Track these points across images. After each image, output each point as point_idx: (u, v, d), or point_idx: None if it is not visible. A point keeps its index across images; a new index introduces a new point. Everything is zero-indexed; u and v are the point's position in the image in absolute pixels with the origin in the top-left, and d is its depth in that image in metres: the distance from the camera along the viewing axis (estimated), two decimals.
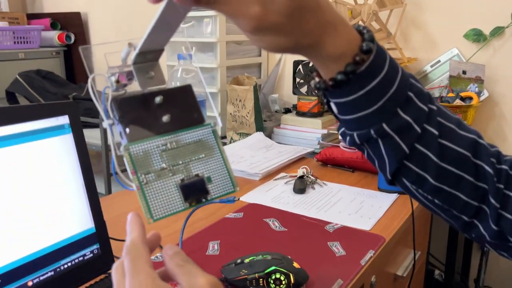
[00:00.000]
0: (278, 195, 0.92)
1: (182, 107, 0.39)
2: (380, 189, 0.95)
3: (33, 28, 1.98)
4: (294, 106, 1.39)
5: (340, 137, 0.43)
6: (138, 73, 0.38)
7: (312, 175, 0.99)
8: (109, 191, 1.48)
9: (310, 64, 1.34)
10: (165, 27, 0.36)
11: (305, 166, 1.01)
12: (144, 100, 0.37)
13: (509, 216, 0.41)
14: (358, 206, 0.86)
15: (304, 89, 1.34)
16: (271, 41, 0.34)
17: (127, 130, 0.36)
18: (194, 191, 0.37)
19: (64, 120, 0.54)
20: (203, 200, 0.38)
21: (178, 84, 1.08)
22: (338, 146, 1.10)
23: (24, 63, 1.90)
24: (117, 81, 0.38)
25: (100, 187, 1.55)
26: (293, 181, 0.97)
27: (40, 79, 1.70)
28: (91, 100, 1.42)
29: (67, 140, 0.54)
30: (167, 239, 0.74)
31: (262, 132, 1.29)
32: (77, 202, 0.55)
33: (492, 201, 0.42)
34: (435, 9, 1.35)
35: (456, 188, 0.42)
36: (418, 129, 0.40)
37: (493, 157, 0.42)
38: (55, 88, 1.69)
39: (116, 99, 0.37)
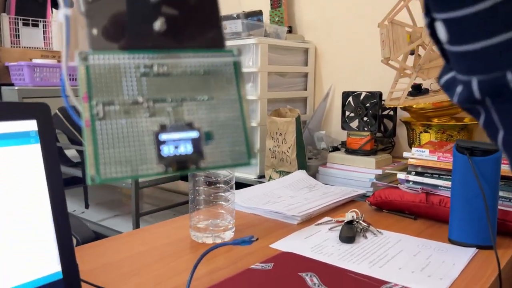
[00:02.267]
0: (319, 244, 0.73)
1: (193, 16, 0.25)
2: (451, 241, 0.74)
3: None
4: (343, 143, 1.22)
5: (442, 89, 0.26)
6: None
7: (363, 221, 0.81)
8: None
9: (362, 96, 1.18)
10: None
11: (355, 210, 0.82)
12: None
13: None
14: (425, 262, 0.66)
15: (355, 124, 1.17)
16: None
17: (94, 31, 0.24)
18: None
19: (30, 125, 0.42)
20: (192, 167, 0.23)
21: None
22: (397, 187, 0.91)
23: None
24: None
25: (128, 229, 1.43)
26: (340, 227, 0.78)
27: None
28: None
29: (32, 153, 0.42)
30: None
31: (304, 171, 1.13)
32: (40, 238, 0.41)
33: None
34: None
35: None
36: None
37: None
38: None
39: None
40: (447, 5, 0.22)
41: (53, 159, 0.43)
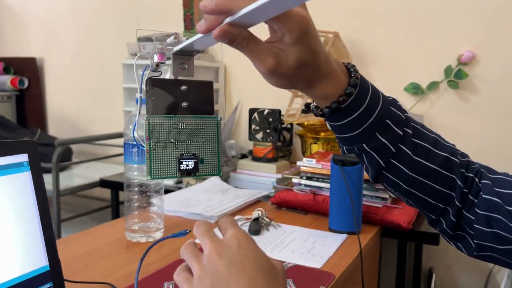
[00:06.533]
0: None
1: (200, 98, 0.47)
2: (331, 230, 0.99)
3: None
4: (250, 152, 1.43)
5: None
6: (174, 62, 0.46)
7: (267, 217, 1.02)
8: (58, 236, 1.43)
9: (265, 112, 1.40)
10: (202, 44, 0.45)
11: (260, 209, 1.04)
12: (173, 85, 0.46)
13: (468, 214, 0.51)
14: (310, 246, 0.90)
15: (259, 135, 1.40)
16: (276, 82, 0.44)
17: (152, 104, 0.45)
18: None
19: (23, 158, 0.55)
20: (192, 174, 0.46)
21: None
22: (292, 190, 1.15)
23: None
24: (157, 65, 0.46)
25: None
26: (249, 223, 0.99)
27: None
28: (43, 145, 1.43)
29: (25, 178, 0.55)
30: (122, 280, 0.73)
31: (218, 176, 1.32)
32: (32, 240, 0.55)
33: (457, 203, 0.51)
34: (379, 64, 1.48)
35: (426, 195, 0.51)
36: (393, 149, 0.49)
37: (462, 168, 0.51)
38: (5, 133, 1.65)
39: (152, 78, 0.45)
40: (328, 120, 0.50)
41: (40, 181, 0.57)
